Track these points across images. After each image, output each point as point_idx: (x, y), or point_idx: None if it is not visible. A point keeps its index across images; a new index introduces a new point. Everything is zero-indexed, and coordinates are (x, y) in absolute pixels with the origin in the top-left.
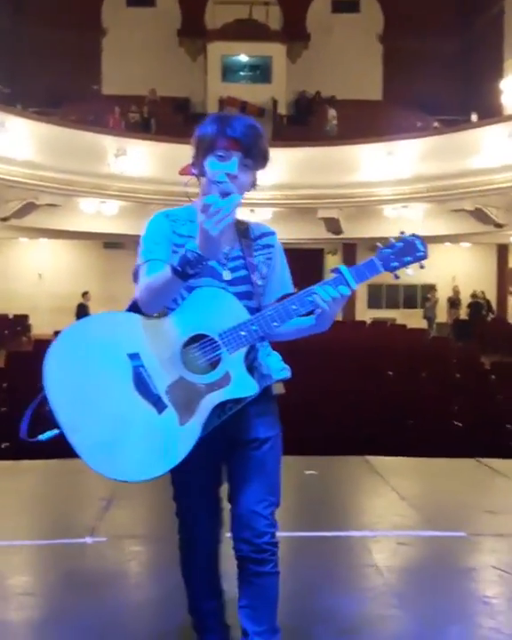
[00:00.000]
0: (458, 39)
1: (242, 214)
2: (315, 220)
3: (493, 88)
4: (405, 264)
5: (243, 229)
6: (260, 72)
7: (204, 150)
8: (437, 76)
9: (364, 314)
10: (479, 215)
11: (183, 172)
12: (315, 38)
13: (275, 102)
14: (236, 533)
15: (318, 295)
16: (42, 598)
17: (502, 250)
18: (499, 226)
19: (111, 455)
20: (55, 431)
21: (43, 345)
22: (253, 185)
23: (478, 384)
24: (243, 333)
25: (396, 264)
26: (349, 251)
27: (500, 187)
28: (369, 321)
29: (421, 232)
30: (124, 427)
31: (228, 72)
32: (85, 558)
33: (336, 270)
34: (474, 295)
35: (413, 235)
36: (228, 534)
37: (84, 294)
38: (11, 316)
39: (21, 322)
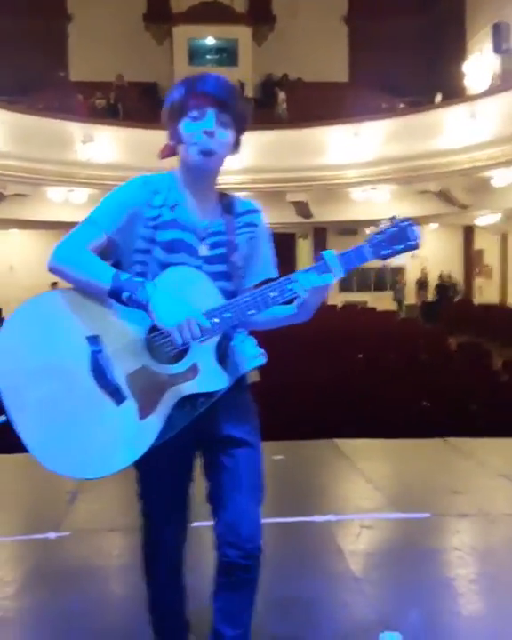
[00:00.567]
0: (422, 20)
1: None
2: (284, 204)
3: (457, 69)
4: (396, 252)
5: (226, 203)
6: (227, 55)
7: (176, 116)
8: (403, 58)
9: (335, 298)
10: (444, 196)
11: (162, 153)
12: (280, 20)
13: (242, 85)
14: (223, 537)
15: (298, 283)
16: (3, 597)
17: (468, 231)
18: (463, 207)
19: (61, 450)
20: (3, 418)
21: None
22: (236, 147)
23: (445, 364)
24: (215, 320)
25: (386, 252)
26: (320, 235)
27: (464, 168)
28: (340, 304)
29: (388, 214)
30: (75, 419)
31: (195, 56)
32: (48, 554)
33: (321, 257)
34: (441, 277)
35: (407, 220)
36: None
37: (53, 284)
38: None
39: None
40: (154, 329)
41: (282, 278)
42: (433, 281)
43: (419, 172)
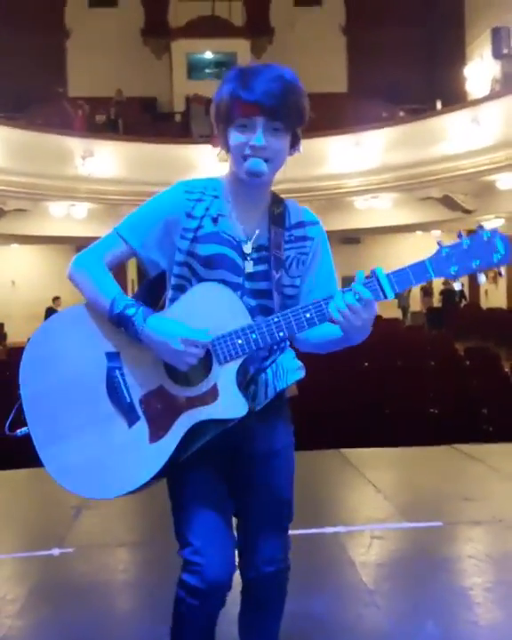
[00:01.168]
0: (420, 27)
1: None
2: None
3: (457, 74)
4: (471, 270)
5: (278, 213)
6: (226, 69)
7: (223, 121)
8: (401, 66)
9: None
10: (447, 202)
11: (214, 143)
12: (278, 33)
13: None
14: (250, 558)
15: (334, 302)
16: (5, 616)
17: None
18: (467, 212)
19: (69, 465)
20: (25, 429)
21: (18, 353)
22: (295, 147)
23: (452, 370)
24: (239, 342)
25: (455, 269)
26: None
27: (466, 172)
28: None
29: (391, 222)
30: (84, 435)
31: (194, 70)
32: (52, 571)
33: (371, 274)
34: (445, 283)
35: (493, 231)
36: None
37: (55, 299)
38: None
39: None
40: None
41: (321, 297)
42: (437, 287)
43: (421, 179)
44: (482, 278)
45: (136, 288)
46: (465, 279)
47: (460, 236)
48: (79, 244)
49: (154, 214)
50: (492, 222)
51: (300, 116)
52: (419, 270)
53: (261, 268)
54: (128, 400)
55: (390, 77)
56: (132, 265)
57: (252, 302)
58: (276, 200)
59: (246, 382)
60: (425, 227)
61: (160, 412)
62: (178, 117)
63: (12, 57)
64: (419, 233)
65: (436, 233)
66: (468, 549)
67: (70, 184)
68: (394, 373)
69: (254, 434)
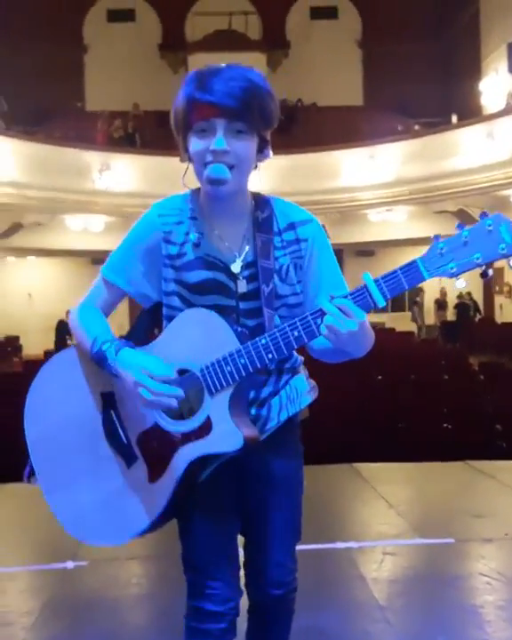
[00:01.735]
0: (436, 42)
1: None
2: None
3: (472, 89)
4: (474, 265)
5: (264, 219)
6: None
7: (181, 128)
8: (417, 79)
9: None
10: (462, 216)
11: (182, 157)
12: (294, 46)
13: None
14: (258, 581)
15: (328, 317)
16: (21, 628)
17: None
18: None
19: (77, 515)
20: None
21: (34, 366)
22: (264, 152)
23: (467, 385)
24: (228, 369)
25: (453, 266)
26: (336, 257)
27: (481, 186)
28: None
29: (406, 235)
30: (87, 482)
31: None
32: (67, 584)
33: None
34: (460, 296)
35: (496, 217)
36: None
37: (68, 313)
38: (1, 338)
39: (12, 343)
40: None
41: (309, 312)
42: (452, 301)
43: (436, 193)
44: (489, 273)
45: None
46: (479, 294)
47: (459, 227)
48: (95, 257)
49: (132, 248)
50: None
51: (266, 117)
52: (410, 272)
53: (253, 285)
54: (125, 440)
55: (406, 91)
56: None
57: (250, 322)
58: (261, 203)
59: (252, 405)
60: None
61: (157, 451)
62: None
63: (31, 71)
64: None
65: None
66: (479, 567)
67: (87, 197)
68: (407, 387)
69: (264, 457)
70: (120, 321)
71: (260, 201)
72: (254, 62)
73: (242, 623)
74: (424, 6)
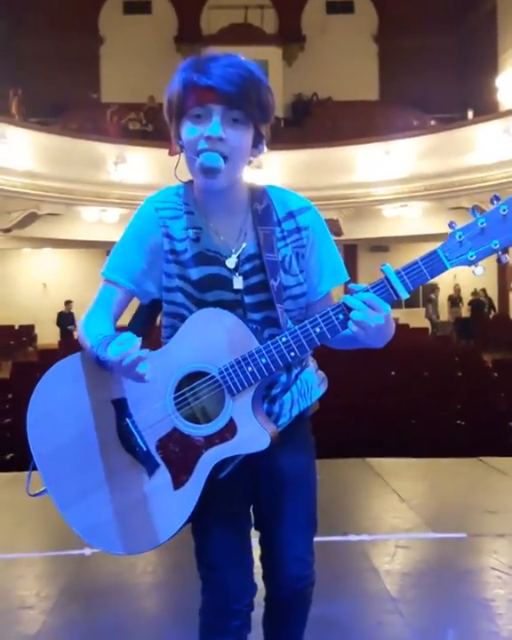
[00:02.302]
0: (452, 37)
1: None
2: None
3: (489, 84)
4: (492, 251)
5: (262, 210)
6: None
7: (176, 114)
8: (433, 75)
9: None
10: (478, 212)
11: (171, 151)
12: (310, 40)
13: None
14: (274, 576)
15: (351, 311)
16: (40, 612)
17: None
18: None
19: (96, 523)
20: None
21: (49, 355)
22: (258, 147)
23: (480, 382)
24: (249, 369)
25: (473, 254)
26: (350, 251)
27: (497, 183)
28: None
29: (420, 231)
30: (106, 493)
31: None
32: (84, 570)
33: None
34: (474, 293)
35: (509, 201)
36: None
37: (67, 303)
38: (16, 327)
39: (27, 332)
40: (180, 387)
41: (330, 307)
42: (466, 297)
43: (451, 189)
44: (505, 258)
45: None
46: (493, 291)
47: (473, 213)
48: (110, 248)
49: (132, 245)
50: None
51: (263, 109)
52: (432, 261)
53: (257, 278)
54: (144, 448)
55: (421, 86)
56: None
57: (257, 316)
58: (257, 194)
59: (263, 401)
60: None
61: (179, 456)
62: None
63: (47, 63)
64: None
65: None
66: (491, 561)
67: (103, 189)
68: (420, 384)
69: (276, 453)
70: (119, 322)
71: (257, 192)
72: (270, 56)
73: (256, 613)
74: (441, 1)
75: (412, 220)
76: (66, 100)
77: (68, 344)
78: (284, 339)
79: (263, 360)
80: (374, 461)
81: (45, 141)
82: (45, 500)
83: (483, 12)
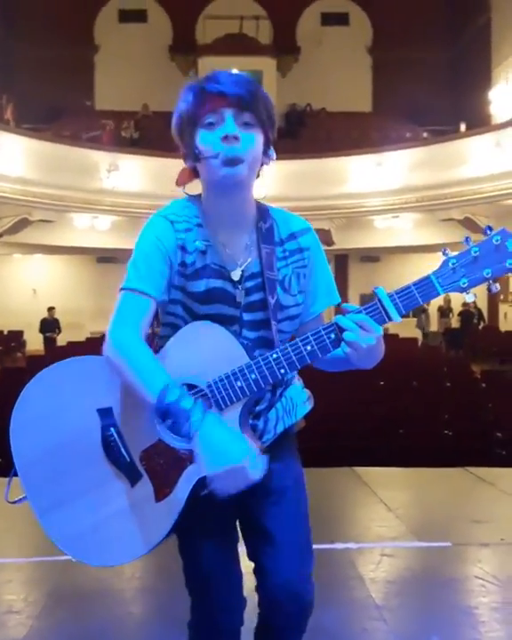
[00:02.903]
0: (446, 50)
1: None
2: None
3: (482, 97)
4: (483, 280)
5: (267, 229)
6: None
7: (189, 129)
8: (426, 87)
9: None
10: (468, 224)
11: (179, 180)
12: (305, 51)
13: None
14: (271, 600)
15: (342, 331)
16: (27, 616)
17: None
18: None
19: (75, 536)
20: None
21: (37, 361)
22: (267, 153)
23: (468, 392)
24: (238, 384)
25: (465, 282)
26: (341, 261)
27: (489, 195)
28: None
29: (411, 242)
30: (86, 503)
31: None
32: (71, 575)
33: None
34: (464, 304)
35: (502, 232)
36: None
37: (50, 309)
38: (5, 333)
39: (16, 338)
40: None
41: (322, 326)
42: (456, 308)
43: (442, 201)
44: (495, 288)
45: None
46: (483, 302)
47: (467, 241)
48: (101, 255)
49: (156, 256)
50: None
51: (270, 115)
52: (425, 287)
53: (258, 296)
54: (127, 458)
55: (415, 98)
56: None
57: (252, 334)
58: (263, 213)
59: (253, 417)
60: (445, 248)
61: (163, 468)
62: None
63: (42, 70)
64: (439, 253)
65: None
66: (475, 570)
67: (95, 196)
68: (409, 393)
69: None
70: None
71: (262, 211)
72: (264, 67)
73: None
74: (435, 14)
75: (403, 231)
76: (60, 106)
77: (53, 351)
78: (274, 355)
79: (253, 376)
80: (361, 470)
81: (38, 148)
82: (28, 505)
83: (477, 25)
